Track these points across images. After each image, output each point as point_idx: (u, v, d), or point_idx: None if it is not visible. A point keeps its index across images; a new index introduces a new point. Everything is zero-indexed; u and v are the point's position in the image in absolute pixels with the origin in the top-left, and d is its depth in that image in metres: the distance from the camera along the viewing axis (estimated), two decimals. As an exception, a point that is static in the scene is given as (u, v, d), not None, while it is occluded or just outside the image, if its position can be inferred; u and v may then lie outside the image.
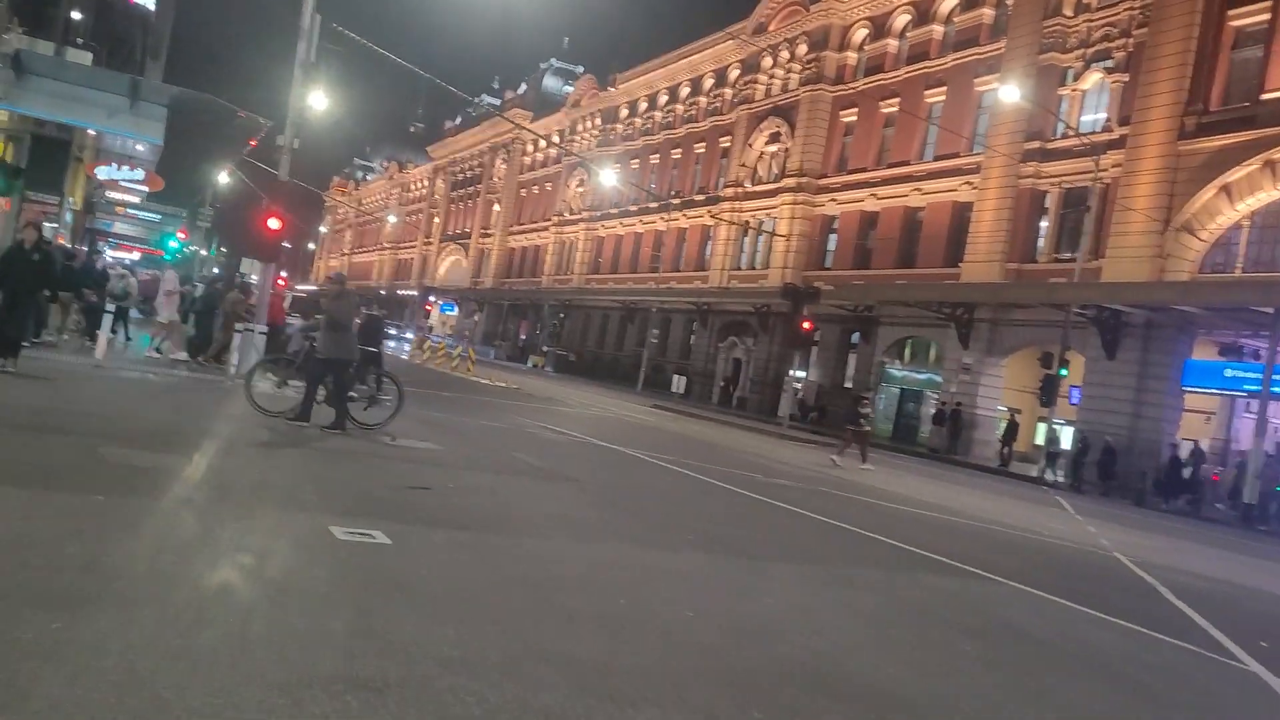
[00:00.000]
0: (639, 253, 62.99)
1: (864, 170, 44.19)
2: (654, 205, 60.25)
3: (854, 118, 45.73)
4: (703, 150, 57.75)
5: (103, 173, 24.27)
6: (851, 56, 46.74)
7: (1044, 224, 35.00)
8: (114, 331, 22.22)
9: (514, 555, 7.01)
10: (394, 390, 13.98)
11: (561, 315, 68.25)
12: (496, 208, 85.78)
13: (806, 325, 30.26)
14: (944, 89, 40.26)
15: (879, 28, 45.27)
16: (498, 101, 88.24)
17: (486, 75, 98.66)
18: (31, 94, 20.29)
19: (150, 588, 4.74)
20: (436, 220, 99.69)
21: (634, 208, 63.72)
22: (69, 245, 25.87)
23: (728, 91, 56.00)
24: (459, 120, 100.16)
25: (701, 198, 55.83)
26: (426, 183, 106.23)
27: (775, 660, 5.42)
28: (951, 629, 7.11)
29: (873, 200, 43.23)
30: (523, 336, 75.83)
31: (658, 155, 62.60)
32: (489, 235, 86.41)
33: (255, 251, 22.02)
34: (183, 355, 20.13)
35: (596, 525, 9.12)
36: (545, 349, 66.14)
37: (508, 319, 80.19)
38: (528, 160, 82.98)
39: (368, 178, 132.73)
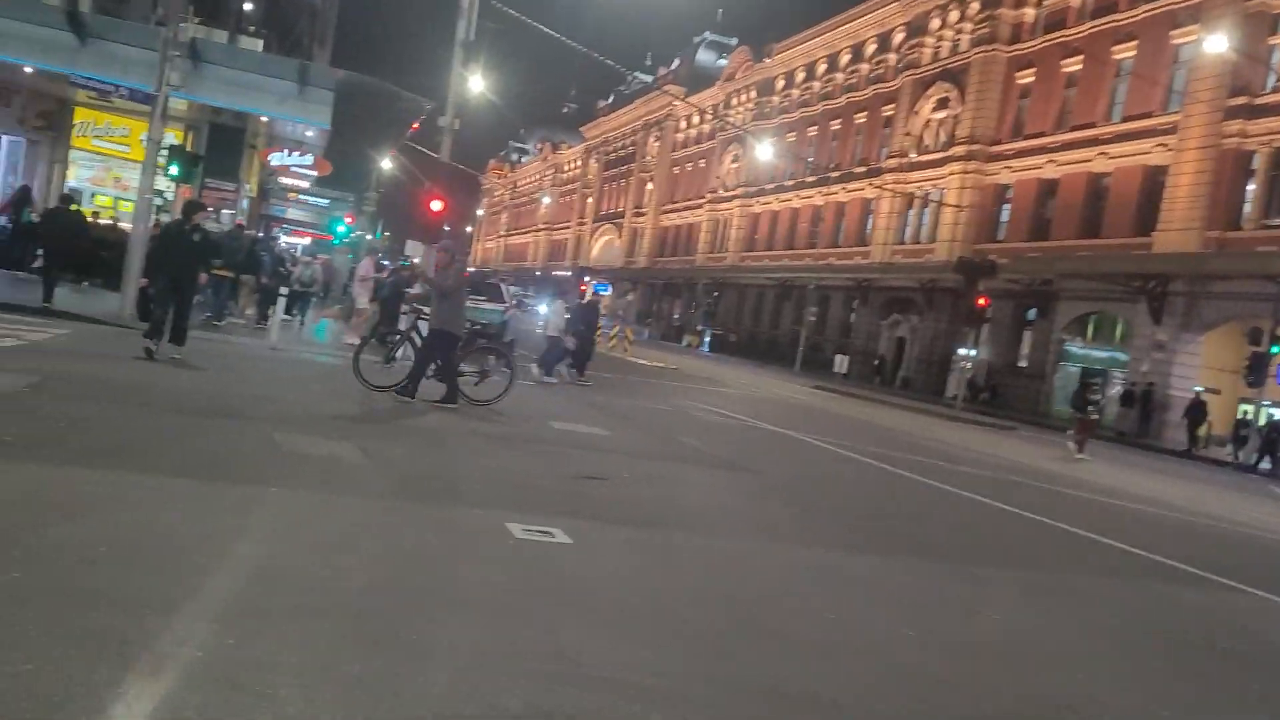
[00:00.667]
0: (796, 228, 61.46)
1: (1042, 135, 41.47)
2: (811, 179, 58.59)
3: (1031, 79, 42.99)
4: (864, 120, 55.69)
5: (275, 159, 24.94)
6: (1029, 13, 43.89)
7: (1250, 187, 31.88)
8: (291, 314, 22.86)
9: (704, 559, 6.36)
10: (506, 365, 13.52)
11: (716, 294, 67.46)
12: (649, 186, 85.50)
13: (982, 301, 28.52)
14: (1134, 43, 37.21)
15: (1058, -18, 42.32)
16: (650, 79, 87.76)
17: (638, 52, 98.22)
18: (208, 83, 20.87)
19: (324, 598, 4.28)
20: (590, 200, 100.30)
21: (790, 182, 62.17)
22: (257, 233, 26.79)
23: (891, 57, 53.71)
24: (611, 99, 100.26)
25: (862, 170, 53.89)
26: (579, 163, 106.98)
27: (1025, 699, 4.57)
28: (1213, 655, 6.08)
29: (1052, 167, 40.54)
30: (676, 315, 75.43)
31: (816, 127, 60.81)
32: (642, 214, 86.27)
33: (419, 233, 22.11)
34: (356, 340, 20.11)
35: (786, 523, 8.38)
36: (700, 328, 65.50)
37: (661, 298, 79.95)
38: (680, 137, 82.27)
39: (522, 160, 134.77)
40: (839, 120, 58.30)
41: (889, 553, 7.58)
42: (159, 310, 12.05)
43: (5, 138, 24.28)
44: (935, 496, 11.46)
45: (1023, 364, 40.27)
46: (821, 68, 61.09)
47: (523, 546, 5.74)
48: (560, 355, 19.80)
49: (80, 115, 24.41)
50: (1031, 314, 40.34)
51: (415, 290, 19.07)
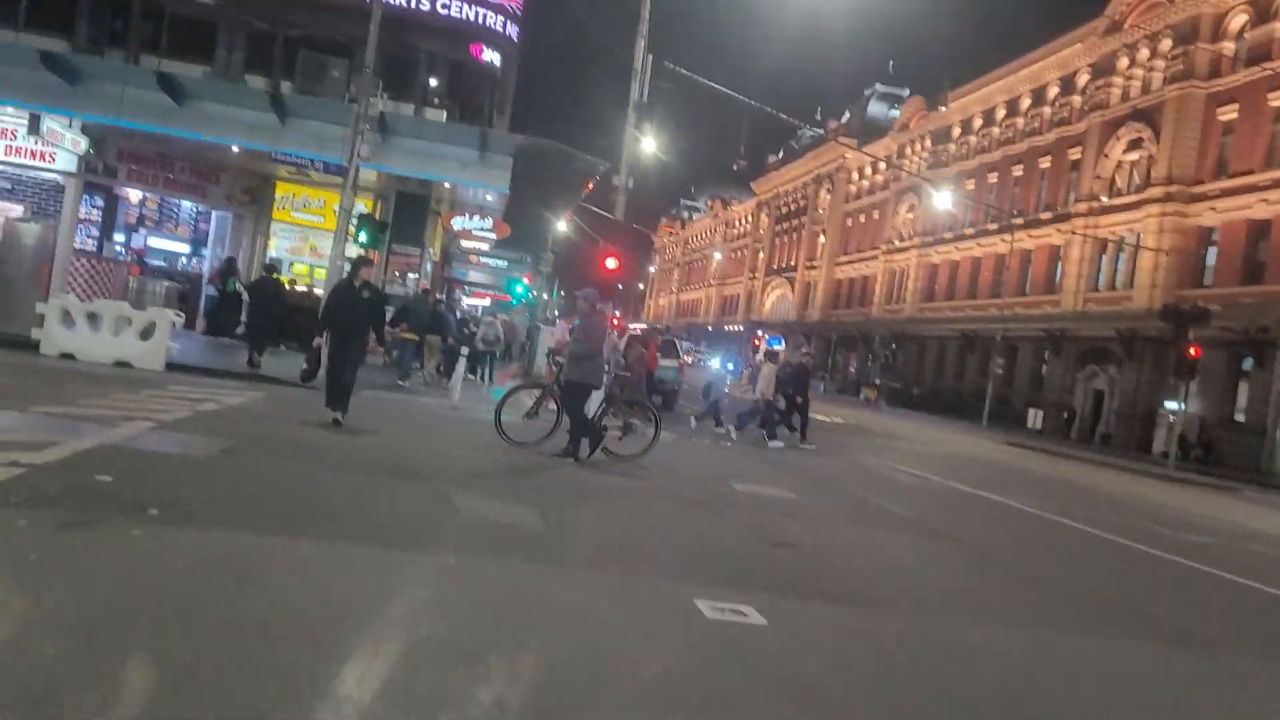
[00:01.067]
0: (978, 278, 59.07)
1: (1249, 173, 38.37)
2: (993, 227, 56.28)
3: (1234, 115, 39.98)
4: (1048, 165, 53.23)
5: (457, 223, 25.70)
6: (1228, 46, 40.99)
7: None
8: (474, 373, 23.36)
9: (920, 645, 5.66)
10: (651, 419, 13.04)
11: (894, 346, 65.48)
12: (822, 239, 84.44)
13: (1193, 351, 26.26)
14: (1353, 69, 34.09)
15: (1261, 11, 39.39)
16: (820, 132, 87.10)
17: (807, 107, 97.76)
18: (395, 153, 21.66)
19: (506, 685, 3.88)
20: (761, 255, 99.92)
21: (970, 231, 59.96)
22: (439, 295, 27.67)
23: (1076, 99, 51.25)
24: (781, 154, 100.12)
25: (1049, 215, 51.36)
26: (750, 218, 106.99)
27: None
28: None
29: (1263, 206, 37.37)
30: (852, 368, 73.66)
31: (996, 174, 58.58)
32: (814, 267, 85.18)
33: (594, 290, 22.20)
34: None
35: (1001, 599, 7.54)
36: (878, 381, 63.60)
37: (836, 351, 78.34)
38: (853, 189, 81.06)
39: (693, 217, 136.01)
40: (1021, 166, 55.97)
41: (1125, 637, 6.65)
42: (321, 368, 11.85)
43: (214, 213, 25.98)
44: (1165, 570, 10.24)
45: (1239, 418, 36.90)
46: (1000, 113, 58.98)
47: (714, 629, 5.22)
48: (758, 413, 19.30)
49: (281, 189, 25.84)
50: (1247, 364, 36.99)
51: (554, 343, 18.94)
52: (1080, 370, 47.05)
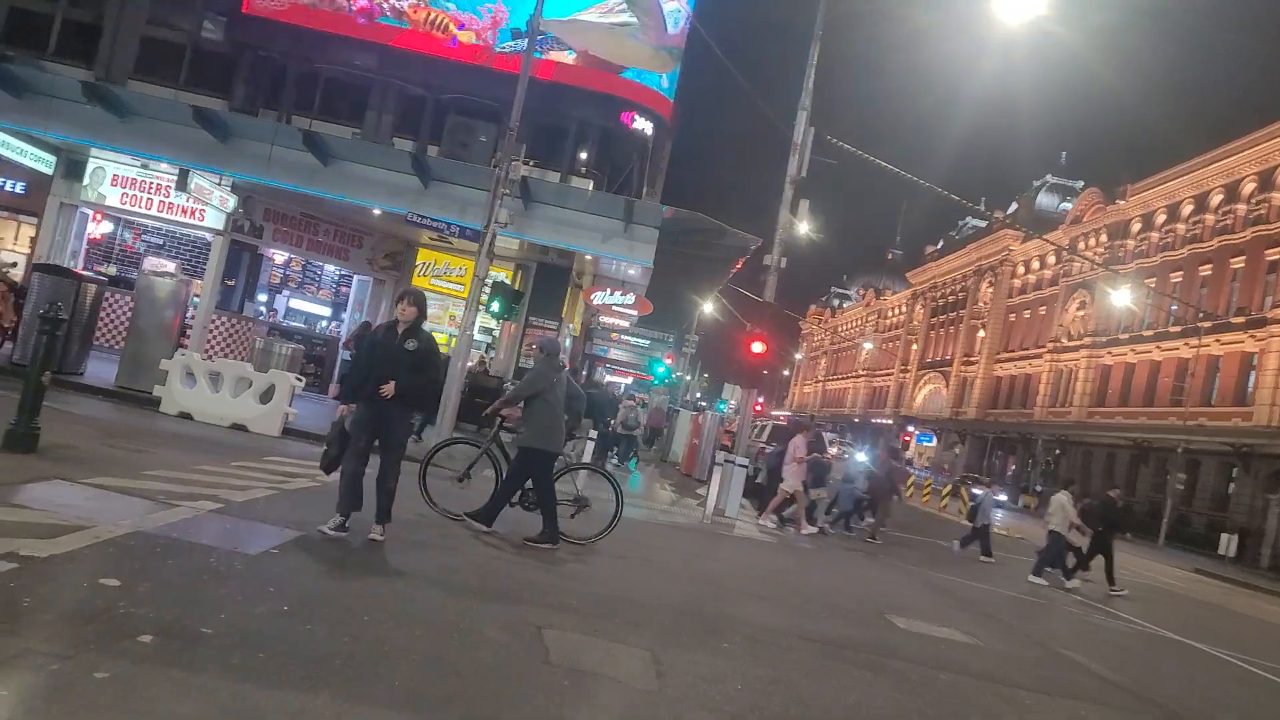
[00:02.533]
0: (1156, 383, 54.44)
1: None
2: (1176, 329, 51.95)
3: None
4: (1241, 265, 48.86)
5: (597, 297, 24.58)
6: None
7: None
8: (614, 456, 21.97)
9: None
10: (611, 491, 10.63)
11: (1057, 451, 61.01)
12: (981, 333, 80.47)
13: None
14: None
15: None
16: (984, 223, 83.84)
17: (971, 197, 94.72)
18: (536, 221, 20.81)
19: None
20: (914, 347, 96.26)
21: (1149, 332, 55.58)
22: (591, 375, 26.57)
23: (1276, 196, 47.08)
24: (940, 244, 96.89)
25: (1241, 320, 46.94)
26: (904, 309, 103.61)
27: None
28: None
29: None
30: (1010, 471, 69.07)
31: (1180, 272, 54.27)
32: (972, 363, 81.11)
33: (738, 376, 20.58)
34: (812, 529, 17.54)
35: None
36: (1038, 489, 59.15)
37: (993, 453, 73.81)
38: (1017, 283, 77.15)
39: (843, 305, 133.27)
40: (1209, 265, 51.68)
41: None
42: (340, 454, 8.12)
43: (356, 277, 25.68)
44: None
45: None
46: (1187, 208, 54.89)
47: None
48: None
49: (422, 256, 25.41)
50: None
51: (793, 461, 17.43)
52: (1275, 492, 42.16)
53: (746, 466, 17.45)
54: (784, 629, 8.15)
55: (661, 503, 17.87)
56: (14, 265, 20.58)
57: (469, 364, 21.93)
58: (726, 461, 16.71)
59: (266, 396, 15.40)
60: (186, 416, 14.82)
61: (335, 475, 8.16)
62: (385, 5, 25.23)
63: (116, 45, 24.57)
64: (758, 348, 19.04)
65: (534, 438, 9.67)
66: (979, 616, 11.44)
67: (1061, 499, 17.80)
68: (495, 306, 18.75)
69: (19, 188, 22.93)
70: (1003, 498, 43.73)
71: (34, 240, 22.75)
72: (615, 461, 20.90)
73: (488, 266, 17.38)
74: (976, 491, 25.27)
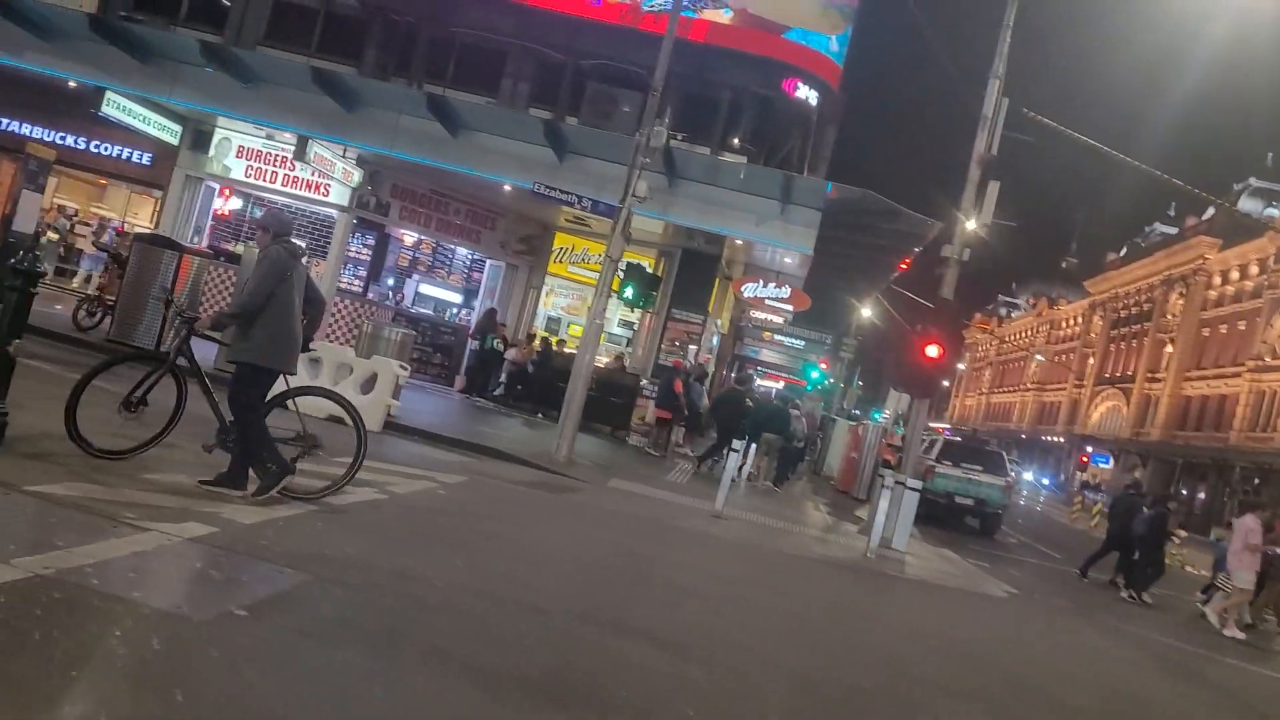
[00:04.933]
0: (1382, 410, 47.92)
1: None
2: None
3: None
4: None
5: (748, 290, 22.03)
6: None
7: None
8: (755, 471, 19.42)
9: None
10: (353, 425, 7.73)
11: (1257, 481, 54.68)
12: (1169, 349, 73.57)
13: None
14: None
15: None
16: (1174, 230, 76.97)
17: (1158, 202, 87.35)
18: (682, 200, 18.64)
19: None
20: (1091, 361, 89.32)
21: (1374, 352, 48.98)
22: (744, 379, 24.05)
23: None
24: (1123, 252, 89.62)
25: None
26: (1080, 320, 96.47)
27: None
28: None
29: None
30: (1199, 498, 62.60)
31: None
32: (1158, 379, 74.25)
33: (909, 383, 17.70)
34: (1240, 635, 13.89)
35: None
36: (1234, 520, 53.09)
37: (1180, 479, 67.17)
38: (1213, 295, 70.08)
39: (1011, 315, 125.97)
40: None
41: None
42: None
43: (489, 262, 23.96)
44: None
45: None
46: None
47: None
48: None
49: (559, 240, 23.51)
50: None
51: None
52: None
53: (919, 490, 14.57)
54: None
55: (814, 526, 15.28)
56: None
57: (604, 360, 19.87)
58: (896, 484, 13.90)
59: (369, 385, 13.70)
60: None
61: (426, 485, 5.98)
62: (528, -37, 23.37)
63: (248, 10, 23.60)
64: (932, 351, 16.49)
65: (254, 349, 7.01)
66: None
67: (1248, 522, 14.45)
68: (628, 292, 16.55)
69: (145, 159, 22.14)
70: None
71: (157, 214, 21.89)
72: (767, 482, 18.32)
73: (622, 247, 15.16)
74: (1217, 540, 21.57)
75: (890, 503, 13.89)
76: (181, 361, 7.39)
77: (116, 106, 19.56)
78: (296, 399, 7.66)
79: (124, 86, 19.31)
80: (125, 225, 22.32)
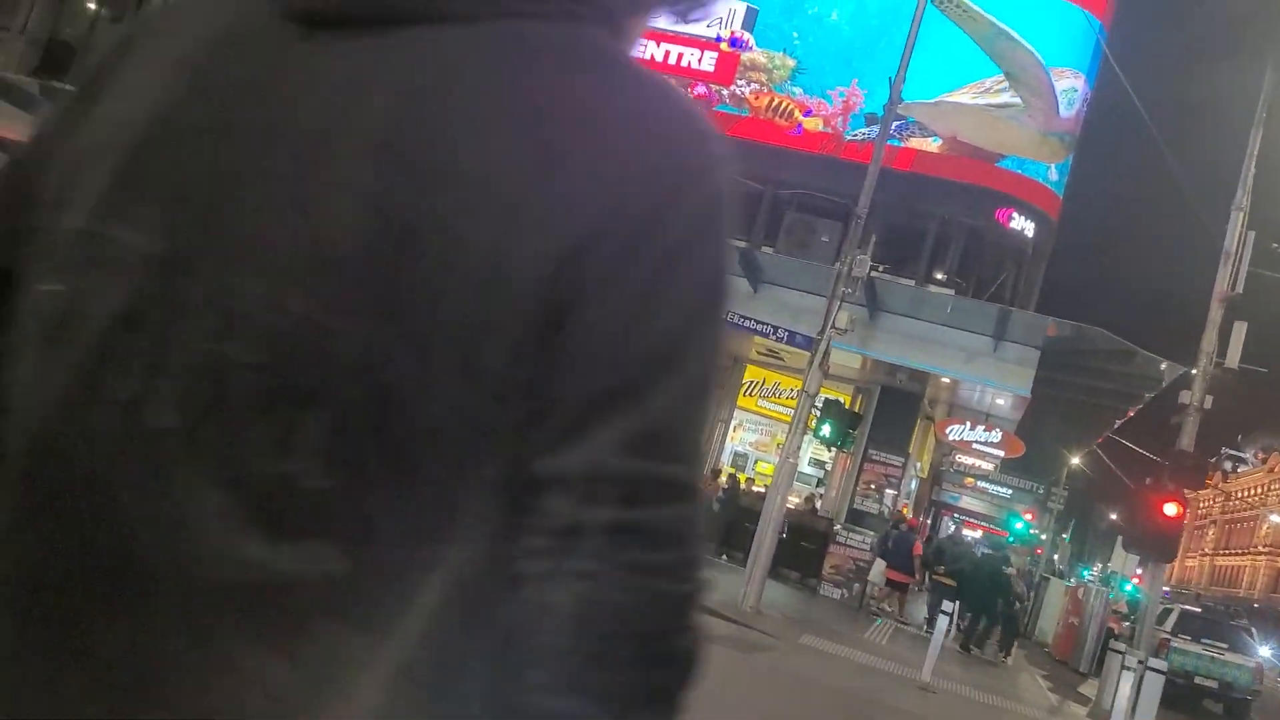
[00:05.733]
0: None
1: None
2: None
3: None
4: None
5: (953, 432, 20.46)
6: None
7: None
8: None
9: None
10: None
11: None
12: None
13: None
14: None
15: None
16: None
17: None
18: (883, 335, 17.61)
19: None
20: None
21: None
22: (939, 529, 22.32)
23: None
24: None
25: None
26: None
27: None
28: None
29: None
30: None
31: None
32: None
33: (1144, 545, 15.65)
34: None
35: None
36: None
37: None
38: None
39: (1237, 469, 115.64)
40: None
41: None
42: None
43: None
44: None
45: None
46: None
47: None
48: None
49: (750, 373, 22.70)
50: None
51: None
52: None
53: (1163, 672, 12.48)
54: None
55: (1037, 706, 13.40)
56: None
57: (795, 500, 18.74)
58: (1139, 664, 11.93)
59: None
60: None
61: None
62: (724, 92, 23.40)
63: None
64: (1171, 510, 14.92)
65: None
66: None
67: None
68: (826, 430, 15.46)
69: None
70: None
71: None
72: (1002, 655, 16.37)
73: (819, 382, 14.21)
74: None
75: (1133, 686, 11.93)
76: None
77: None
78: None
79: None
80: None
